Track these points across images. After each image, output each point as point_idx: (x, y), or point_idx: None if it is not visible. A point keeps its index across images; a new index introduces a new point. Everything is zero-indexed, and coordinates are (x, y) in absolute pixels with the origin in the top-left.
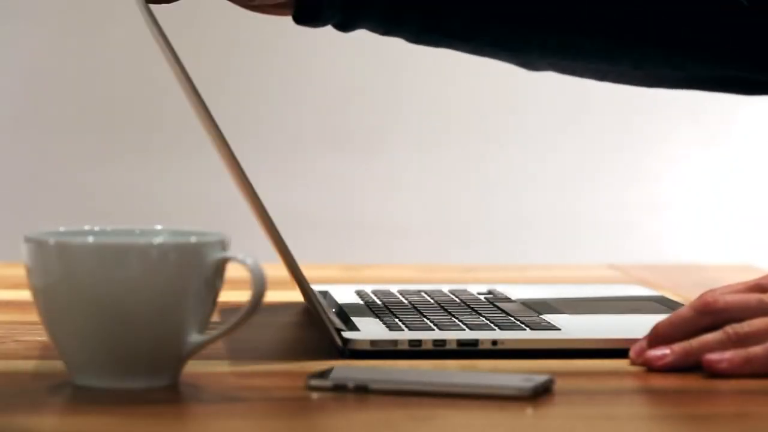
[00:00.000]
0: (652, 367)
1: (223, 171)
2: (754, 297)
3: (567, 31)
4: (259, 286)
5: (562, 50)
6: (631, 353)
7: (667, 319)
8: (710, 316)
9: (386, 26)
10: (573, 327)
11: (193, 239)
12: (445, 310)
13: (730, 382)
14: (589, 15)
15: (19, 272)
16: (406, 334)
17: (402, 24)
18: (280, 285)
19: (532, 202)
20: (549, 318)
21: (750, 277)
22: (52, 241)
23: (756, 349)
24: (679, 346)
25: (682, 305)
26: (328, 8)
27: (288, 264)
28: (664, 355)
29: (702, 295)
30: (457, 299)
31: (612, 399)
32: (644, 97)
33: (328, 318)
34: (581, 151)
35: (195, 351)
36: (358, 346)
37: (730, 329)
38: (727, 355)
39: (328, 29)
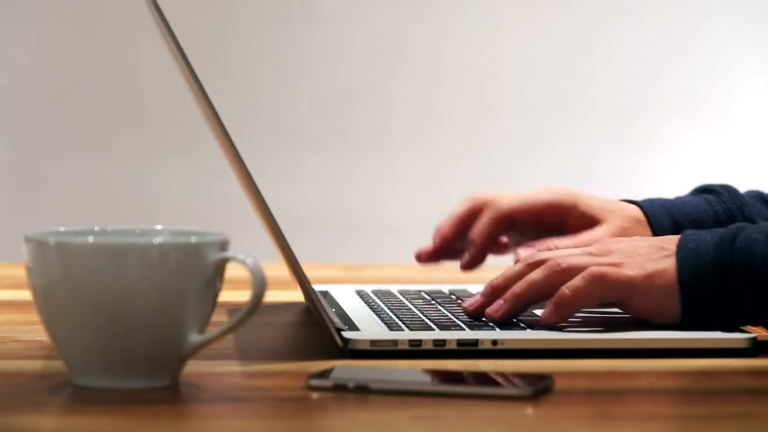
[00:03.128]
0: (492, 320)
1: (224, 171)
2: (578, 249)
3: None
4: (259, 286)
5: None
6: (465, 306)
7: (501, 275)
8: (538, 266)
9: None
10: (573, 327)
11: (193, 239)
12: (445, 310)
13: (731, 382)
14: None
15: (19, 272)
16: (406, 334)
17: None
18: (280, 285)
19: None
20: None
21: None
22: (52, 241)
23: (564, 291)
24: (509, 293)
25: None
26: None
27: (290, 263)
28: (499, 307)
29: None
30: (457, 299)
31: (612, 399)
32: (644, 98)
33: (329, 318)
34: (580, 150)
35: (195, 351)
36: (359, 346)
37: (553, 261)
38: (546, 310)
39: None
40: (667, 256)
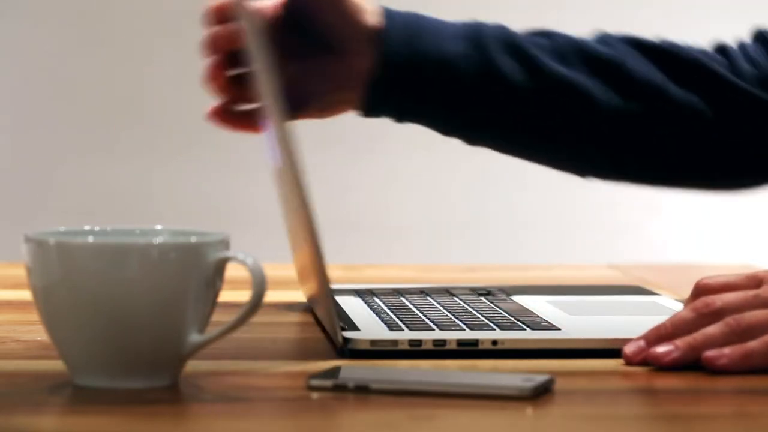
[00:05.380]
0: (658, 364)
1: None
2: (750, 293)
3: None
4: (259, 286)
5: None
6: (627, 352)
7: (669, 320)
8: (711, 317)
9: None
10: (573, 327)
11: (193, 239)
12: (445, 310)
13: (730, 381)
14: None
15: (19, 272)
16: (406, 334)
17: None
18: (280, 285)
19: (533, 202)
20: (549, 318)
21: None
22: (52, 241)
23: (754, 344)
24: (683, 341)
25: (680, 307)
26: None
27: (315, 262)
28: (670, 351)
29: (698, 291)
30: (457, 299)
31: (612, 399)
32: None
33: (336, 319)
34: None
35: (195, 351)
36: (359, 346)
37: (732, 320)
38: (726, 350)
39: None
40: None
